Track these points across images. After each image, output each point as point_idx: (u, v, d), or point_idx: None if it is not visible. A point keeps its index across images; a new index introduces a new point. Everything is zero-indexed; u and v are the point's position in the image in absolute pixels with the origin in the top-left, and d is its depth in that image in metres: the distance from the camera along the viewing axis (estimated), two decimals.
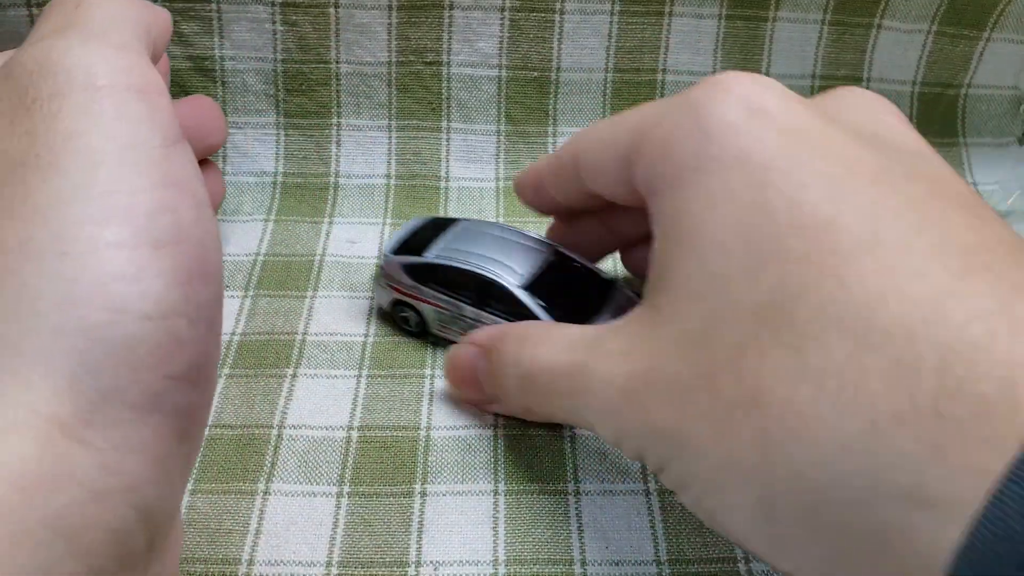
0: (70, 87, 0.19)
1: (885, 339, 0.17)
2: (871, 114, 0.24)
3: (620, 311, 0.30)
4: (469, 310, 0.31)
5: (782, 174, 0.20)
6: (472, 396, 0.30)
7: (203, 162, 0.34)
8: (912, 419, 0.16)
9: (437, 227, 0.33)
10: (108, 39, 0.20)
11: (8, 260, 0.17)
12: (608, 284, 0.32)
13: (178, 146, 0.20)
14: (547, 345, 0.26)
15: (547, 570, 0.26)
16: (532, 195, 0.32)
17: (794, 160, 0.20)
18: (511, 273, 0.30)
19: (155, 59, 0.24)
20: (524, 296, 0.30)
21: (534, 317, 0.30)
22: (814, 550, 0.18)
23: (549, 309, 0.30)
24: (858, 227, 0.19)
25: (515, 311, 0.30)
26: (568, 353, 0.25)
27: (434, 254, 0.31)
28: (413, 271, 0.31)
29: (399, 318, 0.33)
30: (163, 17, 0.25)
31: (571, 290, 0.31)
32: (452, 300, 0.31)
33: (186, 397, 0.19)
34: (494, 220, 0.32)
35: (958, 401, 0.16)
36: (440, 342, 0.33)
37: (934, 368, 0.16)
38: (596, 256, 0.34)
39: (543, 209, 0.33)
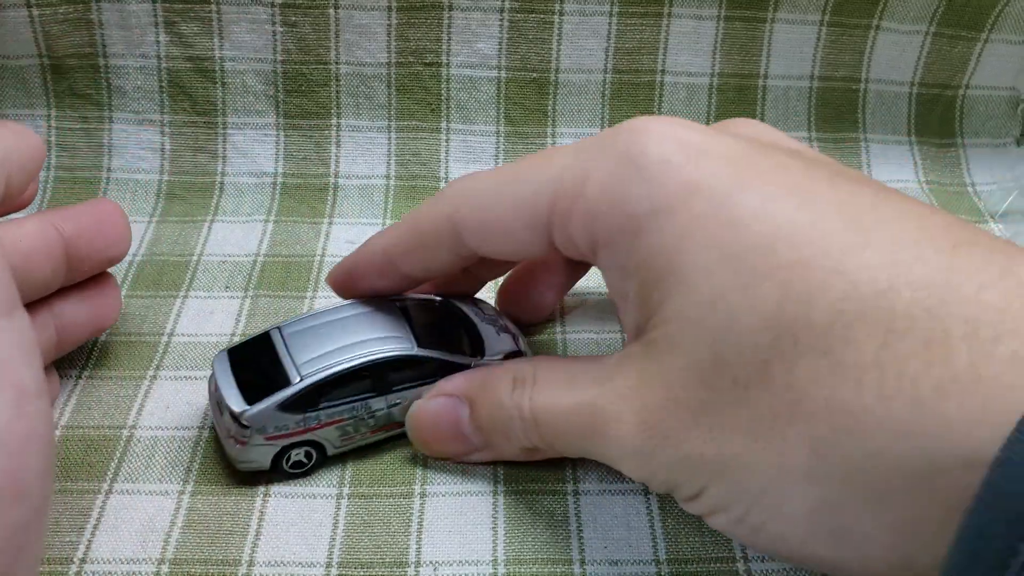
0: None
1: (909, 323, 0.18)
2: (768, 133, 0.25)
3: (503, 330, 0.31)
4: (378, 402, 0.28)
5: (741, 193, 0.21)
6: (452, 450, 0.28)
7: (101, 275, 0.30)
8: (954, 388, 0.17)
9: (255, 356, 0.28)
10: None
11: None
12: (454, 310, 0.31)
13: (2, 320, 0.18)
14: (547, 386, 0.25)
15: (546, 570, 0.26)
16: (353, 290, 0.30)
17: (744, 180, 0.21)
18: (392, 342, 0.28)
19: (17, 190, 0.24)
20: (431, 354, 0.28)
21: (455, 369, 0.28)
22: (882, 533, 0.19)
23: (461, 356, 0.29)
24: (842, 227, 0.20)
25: (427, 374, 0.28)
26: (572, 393, 0.24)
27: (303, 375, 0.26)
28: (294, 406, 0.26)
29: (287, 468, 0.28)
30: (27, 144, 0.24)
31: (453, 329, 0.30)
32: (357, 403, 0.27)
33: None
34: (303, 314, 0.29)
35: (993, 361, 0.17)
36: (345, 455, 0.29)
37: (962, 337, 0.17)
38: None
39: (375, 292, 0.30)
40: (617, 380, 0.23)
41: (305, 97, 0.41)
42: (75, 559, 0.26)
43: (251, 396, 0.27)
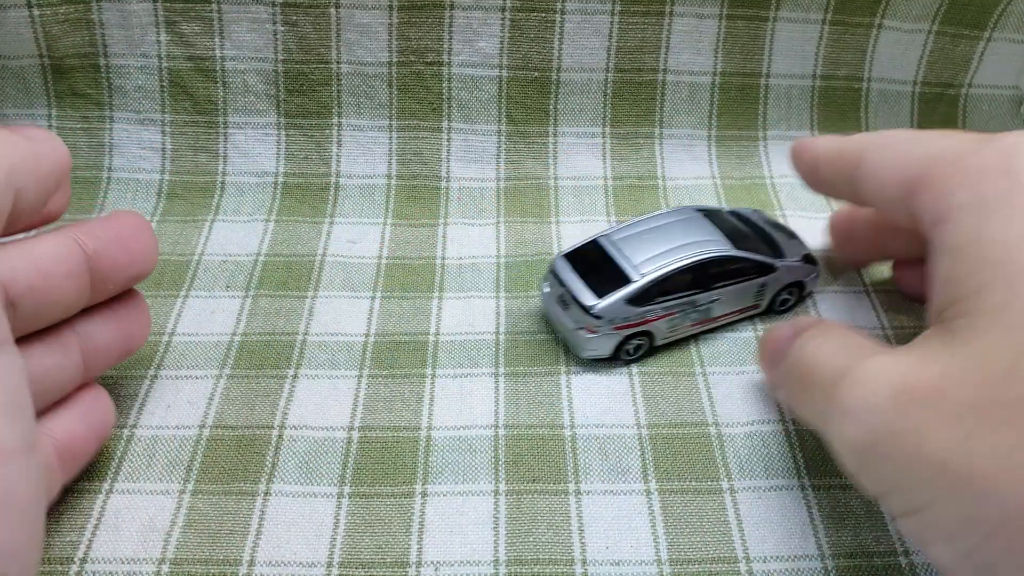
0: None
1: None
2: None
3: (791, 236, 0.35)
4: (701, 297, 0.32)
5: None
6: (766, 374, 0.30)
7: (128, 293, 0.28)
8: None
9: (593, 256, 0.32)
10: None
11: None
12: (749, 220, 0.35)
13: None
14: (832, 344, 0.25)
15: (547, 570, 0.26)
16: (807, 174, 0.32)
17: None
18: (711, 244, 0.32)
19: (32, 204, 0.22)
20: (746, 254, 0.32)
21: (766, 269, 0.33)
22: None
23: (769, 257, 0.33)
24: None
25: (741, 272, 0.32)
26: (843, 356, 0.24)
27: (640, 274, 0.31)
28: (636, 300, 0.31)
29: (627, 354, 0.32)
30: (47, 152, 0.23)
31: (754, 234, 0.34)
32: (685, 299, 0.32)
33: None
34: (615, 223, 0.34)
35: None
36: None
37: None
38: (861, 262, 0.36)
39: (811, 185, 0.33)
40: (887, 356, 0.22)
41: (306, 96, 0.41)
42: (75, 559, 0.26)
43: (597, 292, 0.31)
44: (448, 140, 0.42)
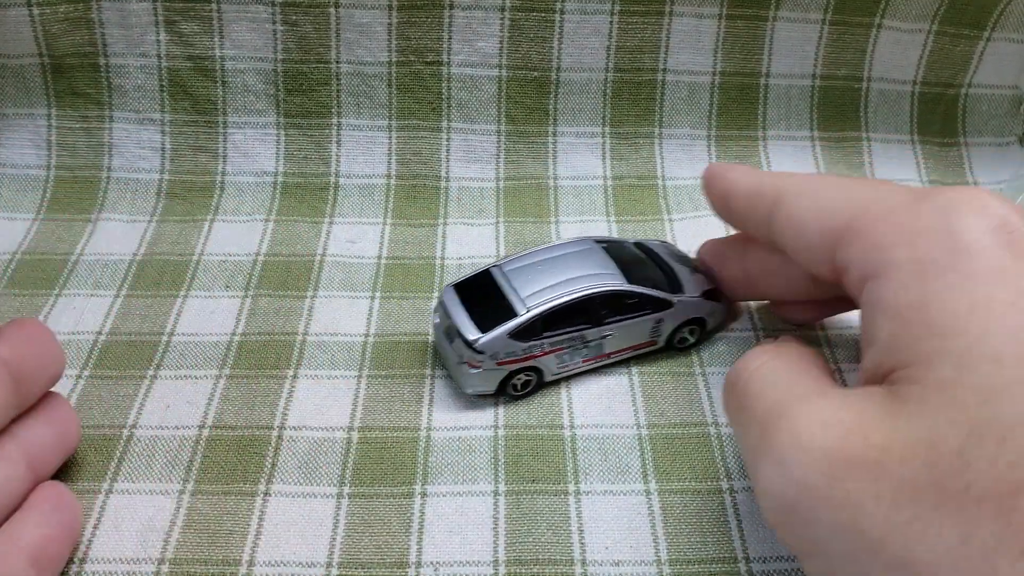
0: None
1: None
2: None
3: (695, 271, 0.33)
4: (592, 333, 0.31)
5: None
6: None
7: (50, 396, 0.27)
8: None
9: (482, 287, 0.31)
10: None
11: None
12: (651, 252, 0.34)
13: None
14: (776, 373, 0.24)
15: (547, 570, 0.26)
16: (717, 202, 0.31)
17: None
18: (604, 278, 0.31)
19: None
20: (640, 289, 0.31)
21: (661, 304, 0.31)
22: None
23: (664, 292, 0.31)
24: None
25: (635, 308, 0.31)
26: (784, 390, 0.23)
27: (527, 308, 0.29)
28: (521, 335, 0.29)
29: (515, 390, 0.31)
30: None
31: (652, 268, 0.33)
32: (574, 334, 0.30)
33: None
34: (513, 254, 0.32)
35: None
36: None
37: None
38: (736, 296, 0.34)
39: (721, 215, 0.31)
40: (838, 407, 0.21)
41: (306, 96, 0.41)
42: (75, 559, 0.26)
43: (482, 326, 0.29)
44: (448, 140, 0.42)
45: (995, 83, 0.44)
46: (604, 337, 0.31)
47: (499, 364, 0.30)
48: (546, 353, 0.30)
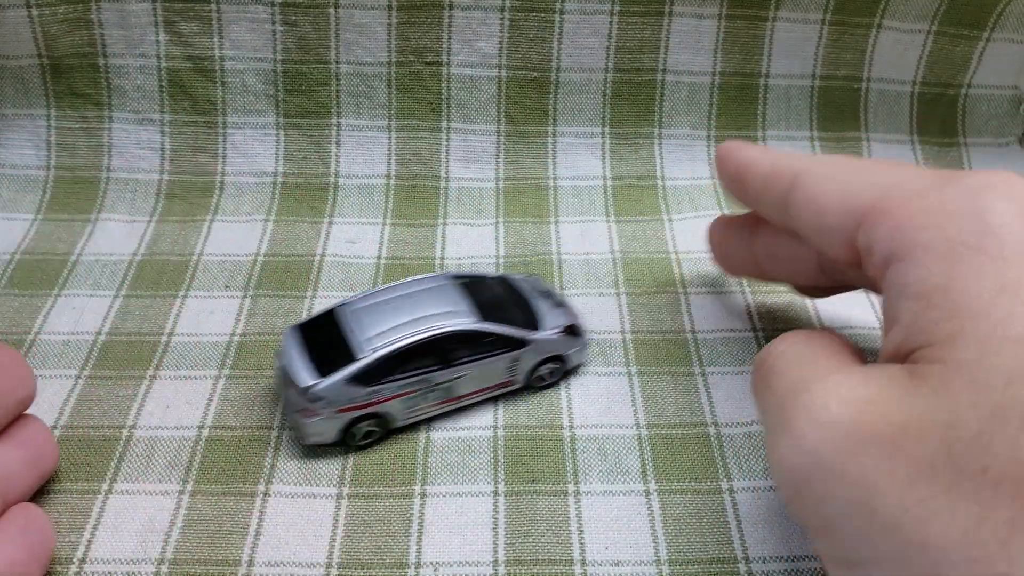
0: None
1: None
2: None
3: (557, 305, 0.32)
4: (441, 375, 0.29)
5: None
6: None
7: (24, 418, 0.27)
8: None
9: (325, 329, 0.29)
10: None
11: None
12: (510, 287, 0.32)
13: None
14: (801, 350, 0.24)
15: (547, 570, 0.26)
16: (731, 182, 0.30)
17: None
18: (453, 317, 0.29)
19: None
20: (492, 327, 0.29)
21: (515, 343, 0.29)
22: None
23: (520, 329, 0.30)
24: None
25: (488, 348, 0.29)
26: (808, 366, 0.22)
27: (370, 349, 0.28)
28: (362, 380, 0.28)
29: (353, 439, 0.29)
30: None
31: (510, 304, 0.31)
32: (420, 377, 0.29)
33: None
34: (365, 291, 0.31)
35: None
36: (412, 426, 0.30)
37: None
38: (739, 274, 0.33)
39: (734, 194, 0.30)
40: (860, 387, 0.21)
41: (305, 96, 0.41)
42: (75, 559, 0.26)
43: (320, 370, 0.28)
44: (447, 140, 0.42)
45: (995, 83, 0.44)
46: (457, 378, 0.29)
47: (340, 411, 0.28)
48: (392, 398, 0.28)
